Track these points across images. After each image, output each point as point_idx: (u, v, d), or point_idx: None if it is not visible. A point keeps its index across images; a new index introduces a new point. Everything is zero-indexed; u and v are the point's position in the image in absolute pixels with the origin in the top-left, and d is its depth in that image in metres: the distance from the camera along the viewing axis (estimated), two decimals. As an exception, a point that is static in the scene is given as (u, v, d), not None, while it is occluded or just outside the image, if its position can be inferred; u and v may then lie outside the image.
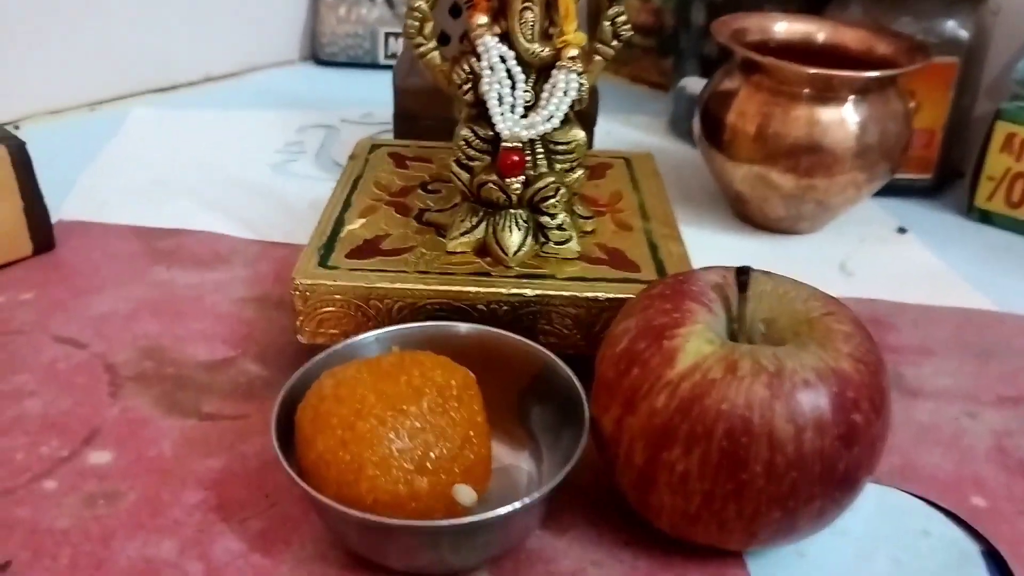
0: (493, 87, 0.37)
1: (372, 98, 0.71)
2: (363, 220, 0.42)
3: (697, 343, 0.29)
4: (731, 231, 0.55)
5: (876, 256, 0.53)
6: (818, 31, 0.55)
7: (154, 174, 0.57)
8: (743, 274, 0.30)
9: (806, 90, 0.49)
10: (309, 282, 0.37)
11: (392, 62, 0.79)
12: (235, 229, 0.51)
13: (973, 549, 0.33)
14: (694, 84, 0.65)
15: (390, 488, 0.29)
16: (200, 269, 0.47)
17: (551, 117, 0.37)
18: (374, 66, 0.80)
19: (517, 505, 0.28)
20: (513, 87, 0.37)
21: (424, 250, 0.39)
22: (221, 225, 0.51)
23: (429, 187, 0.46)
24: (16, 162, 0.44)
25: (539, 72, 0.38)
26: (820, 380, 0.28)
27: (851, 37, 0.54)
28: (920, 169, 0.59)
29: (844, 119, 0.49)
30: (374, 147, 0.50)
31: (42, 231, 0.47)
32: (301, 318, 0.37)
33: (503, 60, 0.37)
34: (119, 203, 0.53)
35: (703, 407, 0.27)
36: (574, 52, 0.37)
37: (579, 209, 0.42)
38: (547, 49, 0.37)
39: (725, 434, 0.27)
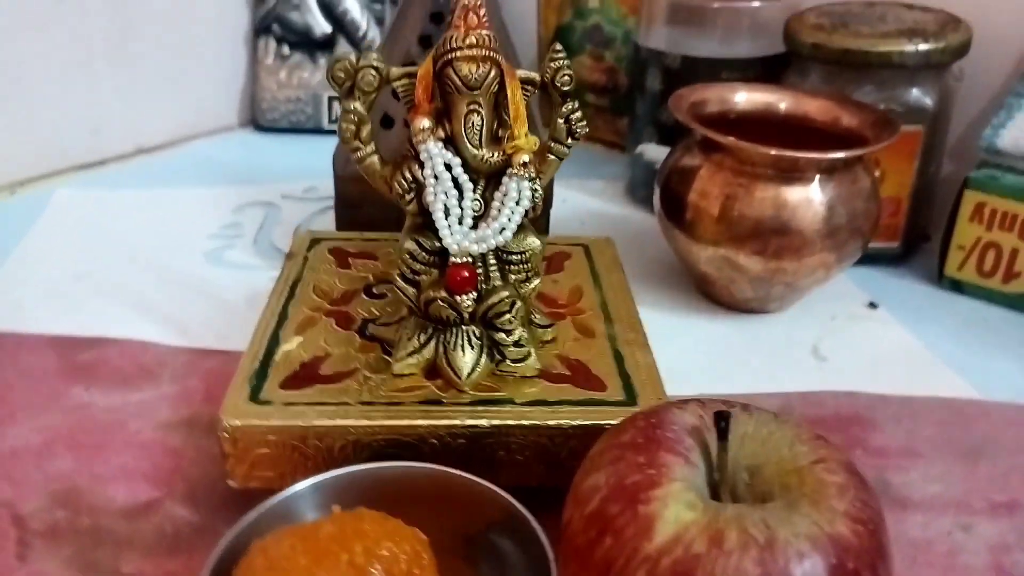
0: (439, 197, 0.34)
1: (315, 167, 0.67)
2: (300, 338, 0.38)
3: (676, 509, 0.25)
4: (696, 311, 0.52)
5: (848, 336, 0.50)
6: (780, 101, 0.53)
7: (76, 267, 0.53)
8: (723, 419, 0.27)
9: (770, 170, 0.47)
10: (239, 423, 0.33)
11: (334, 126, 0.76)
12: (163, 335, 0.47)
13: None
14: (652, 151, 0.63)
15: None
16: (123, 388, 0.42)
17: (503, 229, 0.34)
18: (317, 131, 0.76)
19: None
20: (460, 197, 0.34)
21: (368, 373, 0.36)
22: (148, 330, 0.47)
23: (374, 290, 0.42)
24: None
25: (488, 178, 0.35)
26: (816, 550, 0.24)
27: (815, 108, 0.52)
28: (887, 238, 0.57)
29: (811, 199, 0.46)
30: (314, 242, 0.46)
31: (-56, 352, 0.42)
32: (231, 461, 0.33)
33: (448, 168, 0.34)
34: (35, 305, 0.49)
35: (687, 588, 0.24)
36: (526, 158, 0.34)
37: (537, 317, 0.39)
38: (496, 155, 0.34)
39: (714, 619, 0.24)
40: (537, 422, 0.34)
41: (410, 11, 0.49)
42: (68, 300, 0.50)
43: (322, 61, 0.76)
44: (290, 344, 0.37)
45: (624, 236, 0.61)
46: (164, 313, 0.49)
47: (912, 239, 0.58)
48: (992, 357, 0.49)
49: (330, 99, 0.76)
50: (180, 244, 0.56)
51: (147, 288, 0.51)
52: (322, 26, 0.75)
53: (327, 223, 0.59)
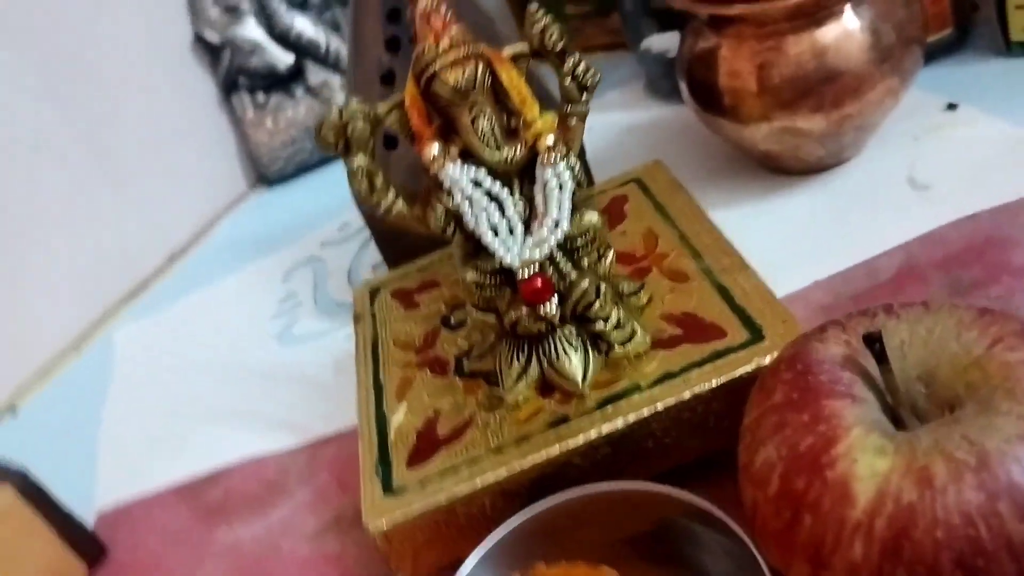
0: (481, 219, 0.31)
1: (340, 200, 0.64)
2: (404, 405, 0.36)
3: (867, 459, 0.23)
4: (772, 190, 0.48)
5: (940, 151, 0.46)
6: (770, -60, 0.48)
7: (165, 404, 0.52)
8: (875, 341, 0.24)
9: (795, 21, 0.42)
10: (384, 524, 0.31)
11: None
12: (273, 441, 0.46)
13: None
14: (658, 42, 0.58)
15: None
16: (260, 512, 0.42)
17: (558, 223, 0.31)
18: (325, 162, 0.74)
19: None
20: (502, 208, 0.31)
21: (484, 415, 0.34)
22: (258, 442, 0.46)
23: (452, 320, 0.40)
24: (28, 495, 0.40)
25: (522, 175, 0.32)
26: (1037, 449, 0.22)
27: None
28: (937, 28, 0.51)
29: (851, 30, 0.42)
30: (373, 293, 0.44)
31: (87, 545, 0.42)
32: (393, 559, 0.32)
33: (478, 184, 0.31)
34: (144, 461, 0.48)
35: (915, 543, 0.22)
36: (551, 139, 0.31)
37: (624, 286, 0.36)
38: (519, 148, 0.31)
39: (954, 564, 0.22)
40: (672, 400, 0.31)
41: (365, 20, 0.46)
42: (173, 442, 0.49)
43: (299, 92, 0.73)
44: (398, 416, 0.36)
45: (667, 138, 0.57)
46: (265, 418, 0.48)
47: (962, 17, 0.52)
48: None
49: (323, 126, 0.73)
50: (248, 337, 0.55)
51: (237, 398, 0.50)
52: (284, 59, 0.72)
53: (374, 255, 0.57)
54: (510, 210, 0.31)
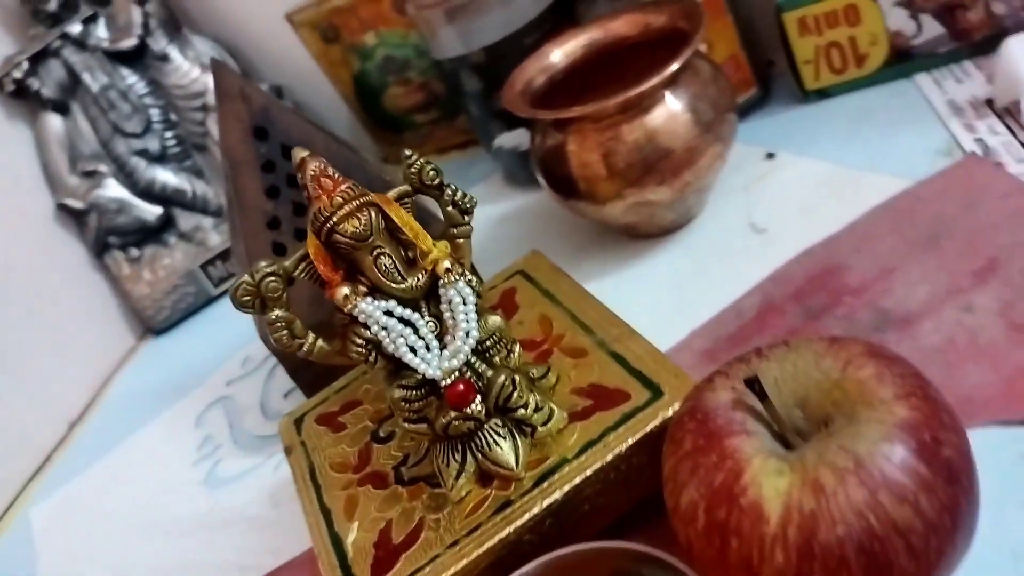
0: (399, 343, 0.34)
1: (236, 337, 0.67)
2: (356, 524, 0.38)
3: (771, 482, 0.27)
4: (636, 254, 0.54)
5: (769, 196, 0.53)
6: (591, 38, 0.55)
7: (102, 572, 0.52)
8: (754, 383, 0.29)
9: (626, 112, 0.48)
10: (364, 638, 0.34)
11: (223, 288, 0.75)
12: (227, 585, 0.47)
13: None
14: (508, 139, 0.64)
15: None
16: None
17: (468, 333, 0.35)
18: (211, 301, 0.76)
19: None
20: (416, 330, 0.35)
21: (433, 515, 0.37)
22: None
23: (381, 433, 0.43)
24: None
25: (427, 297, 0.36)
26: (897, 444, 0.27)
27: (623, 27, 0.54)
28: (744, 89, 0.59)
29: (675, 113, 0.48)
30: (298, 423, 0.46)
31: None
32: (377, 670, 0.34)
33: (389, 314, 0.34)
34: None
35: (822, 542, 0.26)
36: (447, 263, 0.35)
37: (533, 371, 0.40)
38: (420, 277, 0.35)
39: (857, 551, 0.26)
40: (597, 464, 0.35)
41: (242, 174, 0.49)
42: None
43: (173, 240, 0.75)
44: (352, 535, 0.38)
45: (533, 223, 0.62)
46: (213, 566, 0.49)
47: (763, 75, 0.61)
48: (890, 137, 0.52)
49: (202, 267, 0.75)
50: (173, 489, 0.56)
51: (176, 552, 0.51)
52: (152, 212, 0.74)
53: (282, 382, 0.59)
54: (423, 330, 0.35)
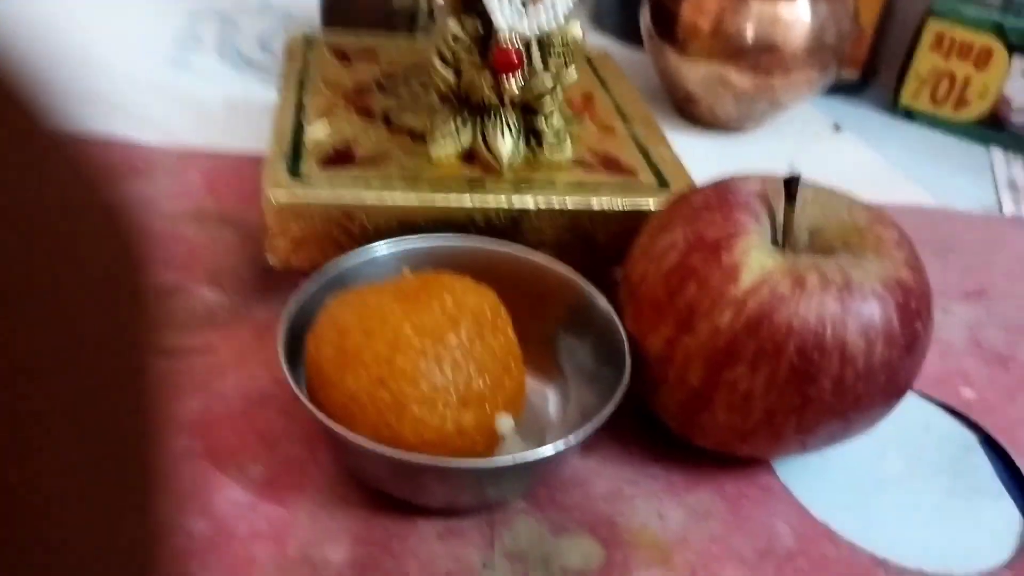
0: (489, -27, 0.33)
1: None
2: (326, 122, 0.37)
3: (758, 256, 0.27)
4: (676, 130, 0.53)
5: (819, 154, 0.53)
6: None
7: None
8: (792, 184, 0.29)
9: (766, -16, 0.47)
10: (285, 197, 0.32)
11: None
12: (146, 135, 0.44)
13: (972, 439, 0.34)
14: (622, -25, 0.62)
15: (436, 425, 0.26)
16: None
17: (554, 6, 0.33)
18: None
19: (572, 439, 0.26)
20: (509, -28, 0.33)
21: (404, 158, 0.35)
22: (129, 130, 0.44)
23: (385, 86, 0.41)
24: None
25: (537, -42, 0.34)
26: (887, 291, 0.27)
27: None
28: (849, 66, 0.59)
29: (803, 17, 0.48)
30: (308, 43, 0.44)
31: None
32: (274, 237, 0.33)
33: (499, -58, 0.33)
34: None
35: (772, 324, 0.26)
36: (578, -67, 0.33)
37: (566, 112, 0.39)
38: (550, -69, 0.33)
39: (796, 351, 0.26)
40: (579, 203, 0.34)
41: None
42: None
43: None
44: (316, 128, 0.36)
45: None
46: (140, 114, 0.46)
47: (868, 71, 0.61)
48: (946, 174, 0.53)
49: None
50: (139, 50, 0.53)
51: (114, 90, 0.48)
52: None
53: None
54: (517, -22, 0.33)
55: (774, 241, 0.29)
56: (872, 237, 0.29)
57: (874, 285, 0.27)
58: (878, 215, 0.30)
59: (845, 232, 0.29)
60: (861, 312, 0.26)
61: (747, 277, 0.27)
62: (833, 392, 0.26)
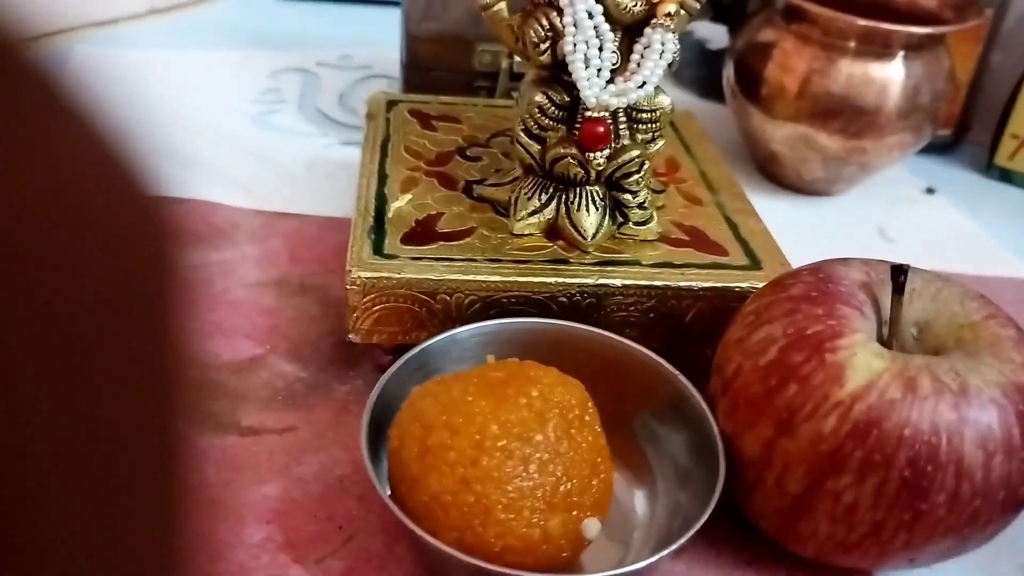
0: (579, 48, 0.32)
1: (344, 35, 0.64)
2: (408, 196, 0.36)
3: (865, 356, 0.25)
4: (760, 192, 0.52)
5: (911, 219, 0.51)
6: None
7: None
8: (900, 273, 0.27)
9: (853, 43, 0.46)
10: (369, 275, 0.32)
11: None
12: (230, 196, 0.44)
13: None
14: (705, 30, 0.61)
15: (522, 532, 0.25)
16: (200, 247, 0.41)
17: (644, 83, 0.33)
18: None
19: (665, 553, 0.24)
20: (600, 48, 0.32)
21: (486, 232, 0.35)
22: (213, 191, 0.44)
23: (468, 153, 0.40)
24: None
25: (625, 30, 0.33)
26: (1006, 398, 0.25)
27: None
28: (942, 125, 0.57)
29: (897, 77, 0.46)
30: (391, 104, 0.44)
31: None
32: (356, 314, 0.32)
33: (590, 16, 0.32)
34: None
35: (882, 432, 0.24)
36: (672, 8, 0.32)
37: (651, 183, 0.38)
38: (640, 4, 0.32)
39: (908, 463, 0.24)
40: (667, 282, 0.33)
41: None
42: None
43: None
44: (399, 202, 0.36)
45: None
46: (225, 174, 0.46)
47: (961, 129, 0.58)
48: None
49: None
50: (222, 107, 0.53)
51: (200, 149, 0.48)
52: None
53: (368, 92, 0.57)
54: (607, 52, 0.32)
55: (879, 337, 0.27)
56: (988, 335, 0.27)
57: (992, 391, 0.25)
58: (994, 310, 0.28)
59: (958, 328, 0.27)
60: (979, 421, 0.24)
61: (853, 379, 0.25)
62: (947, 508, 0.25)
